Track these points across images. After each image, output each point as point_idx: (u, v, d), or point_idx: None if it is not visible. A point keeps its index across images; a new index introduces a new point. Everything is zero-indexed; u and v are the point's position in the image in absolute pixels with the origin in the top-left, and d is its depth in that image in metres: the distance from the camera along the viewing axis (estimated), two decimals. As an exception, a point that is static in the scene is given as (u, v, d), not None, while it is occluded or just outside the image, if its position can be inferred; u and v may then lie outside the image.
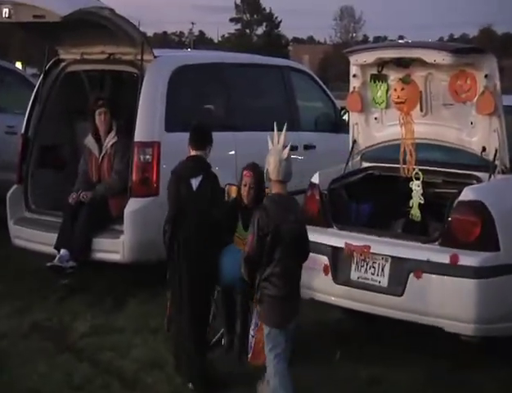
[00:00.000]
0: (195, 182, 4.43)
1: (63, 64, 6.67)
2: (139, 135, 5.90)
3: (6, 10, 5.68)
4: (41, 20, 5.67)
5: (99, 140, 6.24)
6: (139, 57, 6.05)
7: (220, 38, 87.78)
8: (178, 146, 5.97)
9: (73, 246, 5.81)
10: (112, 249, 5.82)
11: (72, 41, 6.47)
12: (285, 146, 3.98)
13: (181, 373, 4.46)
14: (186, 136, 6.00)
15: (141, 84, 5.98)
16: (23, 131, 6.63)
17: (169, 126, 6.00)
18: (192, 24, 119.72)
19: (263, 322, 3.98)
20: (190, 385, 4.38)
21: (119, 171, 6.08)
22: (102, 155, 6.20)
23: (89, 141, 6.24)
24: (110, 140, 6.18)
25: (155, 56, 6.16)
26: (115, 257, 5.82)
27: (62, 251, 5.80)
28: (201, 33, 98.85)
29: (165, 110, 6.01)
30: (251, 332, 4.60)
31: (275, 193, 4.00)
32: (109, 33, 6.03)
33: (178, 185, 4.45)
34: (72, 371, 4.55)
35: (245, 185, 4.87)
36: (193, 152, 4.55)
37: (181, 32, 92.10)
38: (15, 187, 6.54)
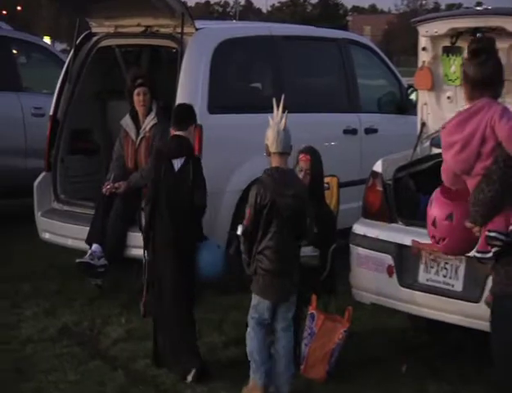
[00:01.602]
0: (177, 164, 4.66)
1: (95, 38, 6.72)
2: (178, 117, 5.90)
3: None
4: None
5: (137, 121, 6.24)
6: (179, 30, 6.05)
7: (269, 8, 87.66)
8: (223, 130, 6.07)
9: (105, 242, 5.86)
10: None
11: (105, 12, 6.52)
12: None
13: (163, 364, 4.68)
14: (231, 118, 6.15)
15: (181, 60, 5.98)
16: (51, 113, 6.70)
17: (212, 107, 6.00)
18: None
19: (254, 291, 4.34)
20: (190, 377, 4.51)
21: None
22: (140, 138, 6.19)
23: (126, 121, 6.26)
24: (148, 122, 6.17)
25: (197, 29, 6.15)
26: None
27: (94, 247, 5.86)
28: (248, 2, 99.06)
29: (208, 90, 6.00)
30: (304, 341, 4.58)
31: (273, 167, 4.32)
32: (146, 4, 6.05)
33: (160, 164, 4.68)
34: (104, 380, 4.60)
35: (301, 170, 4.85)
36: (175, 132, 4.78)
37: (225, 2, 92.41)
38: (43, 174, 6.64)
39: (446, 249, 3.59)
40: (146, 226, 4.78)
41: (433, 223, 3.50)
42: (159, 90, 6.40)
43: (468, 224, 3.29)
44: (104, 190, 6.08)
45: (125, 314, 5.63)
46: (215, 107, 6.01)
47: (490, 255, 3.22)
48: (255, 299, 4.36)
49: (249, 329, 4.39)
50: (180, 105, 5.03)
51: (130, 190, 6.06)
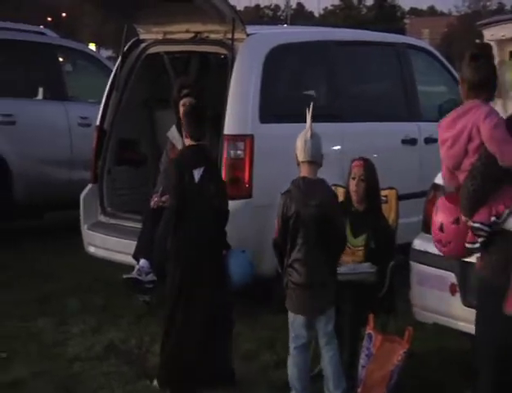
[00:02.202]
0: (197, 174, 4.69)
1: (143, 45, 6.80)
2: (229, 127, 5.93)
3: (83, -14, 5.87)
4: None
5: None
6: (229, 36, 6.08)
7: (322, 12, 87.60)
8: (275, 140, 6.07)
9: (153, 257, 5.91)
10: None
11: (153, 18, 6.59)
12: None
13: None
14: (283, 128, 6.14)
15: (232, 68, 6.01)
16: (98, 122, 6.80)
17: (264, 117, 6.01)
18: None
19: (288, 307, 4.38)
20: None
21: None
22: (187, 149, 6.24)
23: (172, 133, 6.32)
24: (196, 133, 6.22)
25: (248, 35, 6.18)
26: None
27: (141, 262, 5.90)
28: (300, 6, 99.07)
29: (260, 98, 6.02)
30: (361, 362, 4.54)
31: (300, 177, 4.42)
32: (195, 9, 6.10)
33: (180, 175, 4.72)
34: (152, 400, 4.62)
35: (354, 178, 4.82)
36: (191, 141, 4.81)
37: (276, 5, 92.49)
38: (89, 186, 6.73)
39: (449, 252, 3.85)
40: (172, 240, 4.78)
41: (441, 228, 3.77)
42: (207, 99, 6.44)
43: (463, 218, 3.63)
44: (152, 203, 6.14)
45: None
46: (267, 116, 6.02)
47: (477, 245, 3.57)
48: (290, 316, 4.39)
49: (289, 354, 4.42)
50: (191, 108, 5.09)
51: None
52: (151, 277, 5.88)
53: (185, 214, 4.69)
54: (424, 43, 8.37)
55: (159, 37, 6.72)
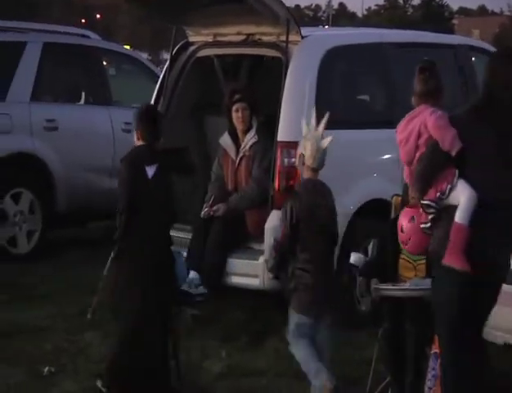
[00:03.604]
0: (150, 171, 4.91)
1: (192, 48, 6.81)
2: (283, 134, 5.91)
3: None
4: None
5: (236, 139, 6.30)
6: (283, 38, 6.07)
7: (365, 12, 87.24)
8: (332, 148, 6.00)
9: (204, 269, 5.91)
10: (250, 272, 5.87)
11: (203, 20, 6.60)
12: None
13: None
14: (340, 134, 6.07)
15: (286, 71, 5.99)
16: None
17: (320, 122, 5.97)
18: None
19: (295, 309, 4.56)
20: None
21: (259, 178, 6.12)
22: (240, 157, 6.25)
23: (225, 140, 6.33)
24: (248, 140, 6.22)
25: (303, 37, 6.17)
26: (253, 282, 5.86)
27: (191, 274, 5.89)
28: (341, 6, 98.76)
29: (315, 103, 5.99)
30: (428, 384, 4.48)
31: (307, 179, 4.67)
32: (247, 10, 6.09)
33: (131, 173, 4.92)
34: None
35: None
36: (143, 142, 5.02)
37: (317, 5, 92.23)
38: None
39: (412, 248, 4.59)
40: (122, 238, 4.91)
41: (402, 230, 4.60)
42: (260, 103, 6.43)
43: (411, 200, 4.53)
44: (202, 213, 6.15)
45: (225, 347, 5.65)
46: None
47: (429, 224, 4.18)
48: (295, 317, 4.56)
49: (293, 345, 4.59)
50: (143, 110, 5.21)
51: (229, 213, 6.11)
52: (202, 289, 5.87)
53: (139, 209, 4.89)
54: (487, 45, 8.25)
55: (209, 39, 6.73)
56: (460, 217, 4.01)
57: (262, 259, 5.80)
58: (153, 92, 7.01)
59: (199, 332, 5.96)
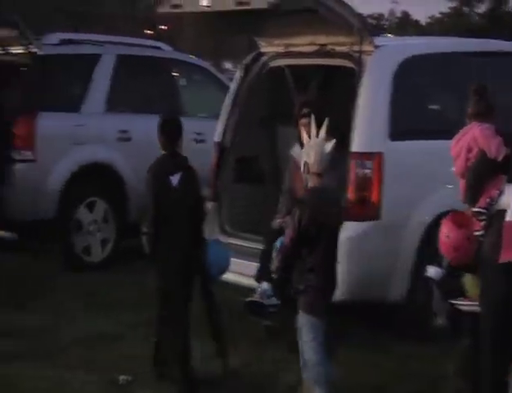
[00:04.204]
0: (174, 179, 5.11)
1: (264, 58, 6.81)
2: (357, 144, 5.87)
3: (207, -2, 5.93)
4: (244, 7, 5.84)
5: (308, 150, 6.25)
6: (356, 48, 6.02)
7: (428, 20, 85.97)
8: (406, 158, 5.95)
9: (275, 279, 5.85)
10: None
11: (276, 31, 6.59)
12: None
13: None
14: (415, 145, 6.02)
15: (360, 82, 5.94)
16: (218, 139, 6.83)
17: (394, 133, 5.93)
18: (394, 3, 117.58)
19: (306, 312, 4.59)
20: None
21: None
22: (310, 169, 6.20)
23: (295, 151, 6.29)
24: (334, 152, 6.18)
25: (376, 46, 6.10)
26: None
27: (264, 285, 5.87)
28: (405, 14, 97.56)
29: (389, 114, 5.94)
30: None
31: (314, 186, 4.69)
32: (319, 20, 6.07)
33: (156, 183, 5.17)
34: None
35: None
36: (166, 150, 5.27)
37: (379, 14, 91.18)
38: (208, 205, 6.74)
39: (458, 258, 4.54)
40: (152, 245, 5.18)
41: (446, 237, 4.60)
42: (332, 114, 6.37)
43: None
44: (274, 224, 6.11)
45: (298, 359, 5.58)
46: (397, 133, 5.93)
47: (482, 231, 4.29)
48: (304, 318, 4.60)
49: (302, 344, 4.62)
50: (164, 119, 5.47)
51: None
52: (274, 300, 5.84)
53: (165, 220, 5.08)
54: None
55: (281, 50, 6.72)
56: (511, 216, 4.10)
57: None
58: (222, 101, 7.04)
59: (271, 343, 5.93)
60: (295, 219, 4.60)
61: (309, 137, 6.07)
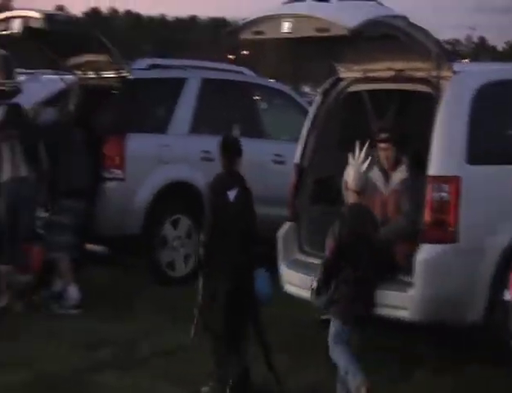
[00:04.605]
0: (231, 195, 5.24)
1: (343, 83, 6.72)
2: (434, 168, 5.71)
3: (288, 24, 5.87)
4: (324, 33, 5.77)
5: (385, 173, 6.15)
6: (434, 74, 5.88)
7: (504, 45, 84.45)
8: (484, 183, 5.76)
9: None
10: (398, 304, 5.68)
11: (354, 56, 6.50)
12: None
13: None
14: (494, 170, 5.83)
15: (438, 106, 5.79)
16: (298, 161, 6.77)
17: (472, 158, 5.75)
18: (471, 29, 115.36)
19: (335, 319, 4.92)
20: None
21: (408, 213, 5.94)
22: (389, 191, 6.10)
23: (374, 173, 6.18)
24: (398, 175, 6.08)
25: (455, 72, 5.94)
26: (402, 314, 5.66)
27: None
28: (481, 39, 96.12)
29: (467, 138, 5.77)
30: None
31: (352, 203, 5.00)
32: (398, 46, 5.95)
33: (214, 198, 5.33)
34: None
35: None
36: (225, 168, 5.39)
37: (455, 40, 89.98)
38: (287, 225, 6.68)
39: None
40: (205, 256, 5.33)
41: None
42: (410, 139, 6.26)
43: None
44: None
45: (375, 377, 5.43)
46: (476, 158, 5.75)
47: None
48: (336, 324, 4.91)
49: (333, 349, 4.91)
50: (224, 139, 5.54)
51: (378, 245, 5.91)
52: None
53: (221, 232, 5.23)
54: None
55: (360, 75, 6.61)
56: None
57: (410, 291, 5.60)
58: (302, 124, 6.98)
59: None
60: (336, 233, 4.88)
61: (388, 161, 6.04)
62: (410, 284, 5.64)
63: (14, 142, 7.15)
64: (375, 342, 6.02)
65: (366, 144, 5.10)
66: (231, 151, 5.41)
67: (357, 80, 6.64)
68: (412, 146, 6.24)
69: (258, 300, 5.31)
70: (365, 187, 5.02)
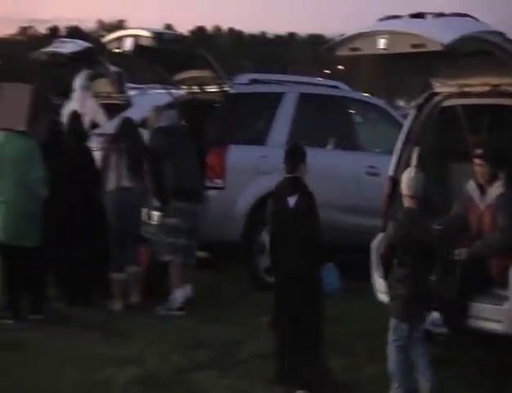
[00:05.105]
0: (291, 200, 5.19)
1: (438, 98, 6.52)
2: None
3: (384, 40, 5.72)
4: (419, 49, 5.59)
5: (482, 188, 5.90)
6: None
7: None
8: None
9: (445, 310, 5.52)
10: (493, 317, 5.42)
11: (449, 71, 6.29)
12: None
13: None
14: None
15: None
16: (392, 173, 6.59)
17: None
18: None
19: (392, 316, 4.98)
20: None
21: (504, 228, 5.66)
22: (485, 206, 5.84)
23: (471, 187, 5.96)
24: (494, 191, 5.82)
25: (550, 87, 5.66)
26: (496, 327, 5.40)
27: (434, 314, 5.53)
28: None
29: None
30: None
31: (407, 207, 5.06)
32: (494, 61, 5.70)
33: (275, 202, 5.31)
34: None
35: None
36: (288, 174, 5.37)
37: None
38: (381, 235, 6.49)
39: None
40: (270, 256, 5.44)
41: None
42: (507, 154, 6.00)
43: None
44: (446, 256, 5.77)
45: (465, 387, 5.23)
46: None
47: None
48: (393, 321, 4.97)
49: (389, 346, 4.98)
50: (289, 148, 5.58)
51: (472, 258, 5.68)
52: (442, 329, 5.52)
53: (282, 237, 5.24)
54: None
55: (455, 90, 6.39)
56: None
57: (507, 305, 5.35)
58: (396, 138, 6.80)
59: (440, 370, 5.56)
60: (391, 232, 5.03)
61: (483, 177, 5.83)
62: (505, 298, 5.39)
63: (122, 154, 7.25)
64: (472, 354, 5.82)
65: (416, 150, 5.31)
66: (294, 157, 5.39)
67: (452, 95, 6.43)
68: (509, 161, 5.98)
69: (326, 292, 5.39)
70: (418, 191, 5.03)
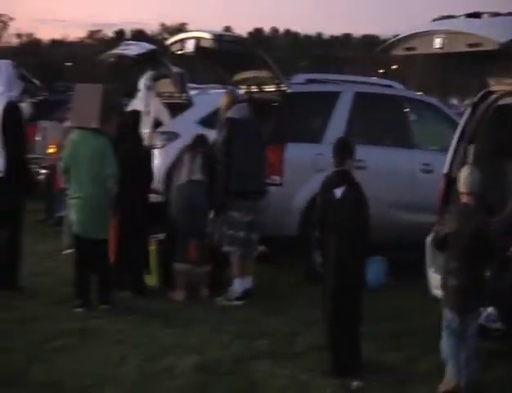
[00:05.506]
0: (338, 192, 5.17)
1: (493, 96, 6.35)
2: None
3: (440, 40, 5.60)
4: (476, 48, 5.44)
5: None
6: None
7: None
8: None
9: (502, 306, 5.38)
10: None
11: (505, 70, 6.10)
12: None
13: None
14: None
15: None
16: (446, 170, 6.45)
17: None
18: None
19: (444, 305, 4.95)
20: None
21: None
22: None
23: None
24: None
25: None
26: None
27: (489, 309, 5.42)
28: None
29: None
30: None
31: (462, 203, 5.03)
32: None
33: (324, 194, 5.32)
34: None
35: None
36: (336, 167, 5.34)
37: None
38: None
39: None
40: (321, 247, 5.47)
41: None
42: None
43: None
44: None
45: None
46: None
47: None
48: (445, 311, 4.94)
49: (443, 336, 4.92)
50: (338, 142, 5.52)
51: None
52: (498, 325, 5.38)
53: (328, 227, 5.23)
54: None
55: (510, 88, 6.20)
56: None
57: None
58: (450, 135, 6.64)
59: (498, 366, 5.41)
60: (445, 223, 5.01)
61: None
62: None
63: (196, 155, 7.32)
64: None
65: (472, 147, 5.28)
66: (343, 151, 5.36)
67: (508, 93, 6.25)
68: None
69: (367, 285, 5.33)
70: (475, 188, 4.98)
